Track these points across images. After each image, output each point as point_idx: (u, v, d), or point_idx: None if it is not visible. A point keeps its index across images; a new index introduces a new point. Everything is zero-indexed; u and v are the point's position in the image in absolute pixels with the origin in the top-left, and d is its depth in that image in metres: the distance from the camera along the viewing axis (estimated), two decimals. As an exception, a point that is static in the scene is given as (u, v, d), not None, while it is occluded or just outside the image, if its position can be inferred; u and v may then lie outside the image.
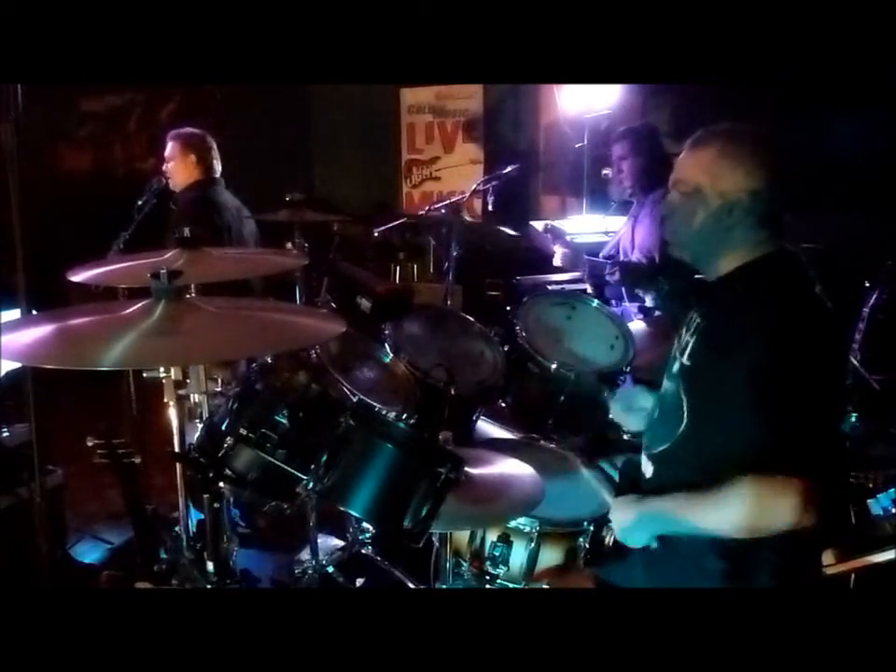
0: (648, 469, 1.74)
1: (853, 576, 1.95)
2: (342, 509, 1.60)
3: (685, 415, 1.62)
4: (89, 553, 3.02)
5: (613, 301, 3.34)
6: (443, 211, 3.52)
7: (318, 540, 2.66)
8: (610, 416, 2.14)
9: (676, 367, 1.69)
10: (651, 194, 3.23)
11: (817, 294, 1.55)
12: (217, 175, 3.32)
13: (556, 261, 3.44)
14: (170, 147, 3.29)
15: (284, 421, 1.49)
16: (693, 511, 1.52)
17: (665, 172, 3.00)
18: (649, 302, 3.22)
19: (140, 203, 3.19)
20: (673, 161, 1.73)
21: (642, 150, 3.29)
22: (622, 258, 3.43)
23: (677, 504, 1.56)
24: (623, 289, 3.34)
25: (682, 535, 1.58)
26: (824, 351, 1.51)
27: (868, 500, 2.16)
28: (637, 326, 2.92)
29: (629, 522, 1.64)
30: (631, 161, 3.30)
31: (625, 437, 2.24)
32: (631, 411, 2.02)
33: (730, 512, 1.45)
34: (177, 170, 3.28)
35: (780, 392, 1.44)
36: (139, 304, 1.40)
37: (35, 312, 2.17)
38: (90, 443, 1.82)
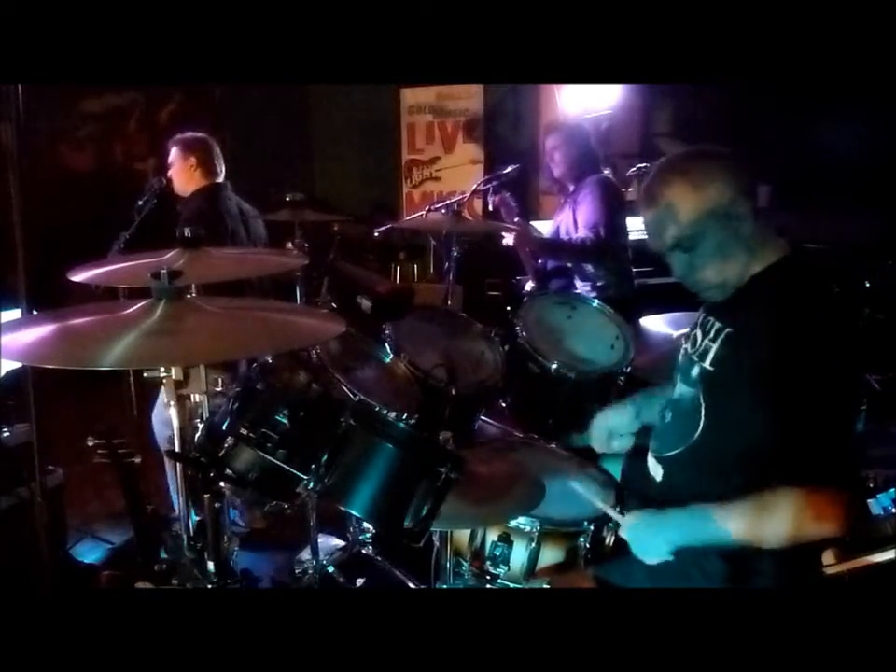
0: (657, 472, 1.74)
1: (849, 576, 1.95)
2: (342, 508, 1.61)
3: (702, 420, 1.62)
4: (89, 553, 3.01)
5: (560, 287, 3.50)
6: (443, 211, 3.51)
7: (318, 540, 2.66)
8: (592, 442, 2.06)
9: (695, 372, 1.66)
10: (588, 177, 3.42)
11: (839, 295, 1.54)
12: (221, 179, 3.25)
13: (508, 241, 3.51)
14: (172, 153, 3.22)
15: (284, 421, 1.49)
16: (727, 522, 1.47)
17: (595, 161, 3.18)
18: (600, 282, 3.39)
19: (140, 202, 3.15)
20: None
21: (572, 142, 3.50)
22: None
23: (706, 515, 1.50)
24: (575, 273, 3.48)
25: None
26: (852, 354, 1.51)
27: (868, 500, 2.15)
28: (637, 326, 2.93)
29: (650, 537, 1.59)
30: (563, 151, 3.49)
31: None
32: (611, 437, 1.99)
33: (772, 525, 1.43)
34: (180, 176, 3.21)
35: (816, 397, 1.44)
36: (140, 304, 1.40)
37: (35, 312, 2.17)
38: (90, 443, 1.82)
